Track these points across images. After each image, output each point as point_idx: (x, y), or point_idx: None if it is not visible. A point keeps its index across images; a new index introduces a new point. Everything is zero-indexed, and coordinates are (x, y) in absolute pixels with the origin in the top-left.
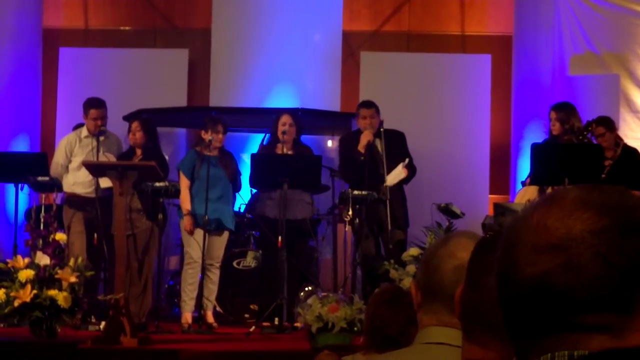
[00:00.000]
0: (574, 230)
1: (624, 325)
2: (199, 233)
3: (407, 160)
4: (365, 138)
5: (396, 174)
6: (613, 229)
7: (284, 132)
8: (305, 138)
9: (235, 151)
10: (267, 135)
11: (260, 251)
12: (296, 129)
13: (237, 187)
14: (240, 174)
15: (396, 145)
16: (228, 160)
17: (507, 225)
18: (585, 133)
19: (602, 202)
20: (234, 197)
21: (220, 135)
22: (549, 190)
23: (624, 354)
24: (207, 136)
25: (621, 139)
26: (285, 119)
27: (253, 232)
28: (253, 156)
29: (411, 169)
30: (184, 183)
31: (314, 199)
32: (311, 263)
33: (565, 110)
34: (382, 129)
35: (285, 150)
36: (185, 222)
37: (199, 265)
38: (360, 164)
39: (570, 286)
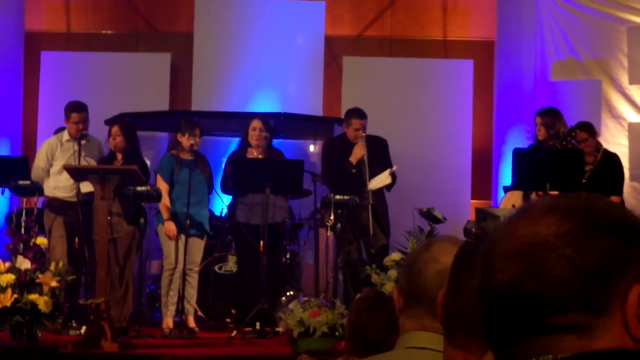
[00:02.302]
0: (539, 234)
1: (594, 324)
2: (180, 238)
3: (395, 167)
4: (360, 152)
5: (381, 180)
6: (577, 231)
7: (265, 138)
8: (287, 142)
9: (217, 156)
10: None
11: None
12: (268, 133)
13: (210, 190)
14: (214, 179)
15: (379, 152)
16: (205, 164)
17: (486, 239)
18: (569, 138)
19: (568, 207)
20: (209, 201)
21: (198, 139)
22: (534, 195)
23: (593, 357)
24: (185, 139)
25: (601, 145)
26: (255, 123)
27: (231, 237)
28: (235, 161)
29: (393, 177)
30: (163, 187)
31: (290, 203)
32: (293, 268)
33: (551, 115)
34: (364, 134)
35: (256, 154)
36: (167, 227)
37: (178, 270)
38: (349, 175)
39: (537, 289)
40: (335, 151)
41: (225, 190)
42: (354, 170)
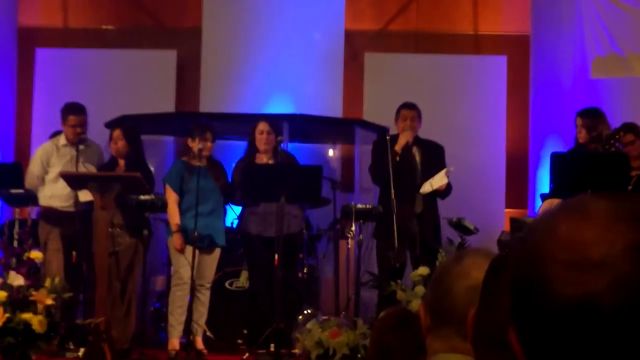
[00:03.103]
0: (616, 245)
1: None
2: (189, 251)
3: (451, 168)
4: (404, 138)
5: (436, 181)
6: None
7: (279, 141)
8: (304, 147)
9: (228, 161)
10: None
11: None
12: (275, 136)
13: (226, 200)
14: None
15: (434, 158)
16: (218, 171)
17: (526, 238)
18: (612, 141)
19: (637, 214)
20: (225, 211)
21: (209, 144)
22: None
23: None
24: (195, 145)
25: None
26: (262, 126)
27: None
28: (245, 167)
29: (447, 186)
30: (172, 197)
31: (307, 212)
32: (310, 283)
33: (593, 116)
34: (414, 128)
35: (266, 160)
36: (175, 240)
37: (188, 287)
38: (394, 165)
39: (620, 307)
40: (385, 150)
41: (232, 200)
42: (397, 158)
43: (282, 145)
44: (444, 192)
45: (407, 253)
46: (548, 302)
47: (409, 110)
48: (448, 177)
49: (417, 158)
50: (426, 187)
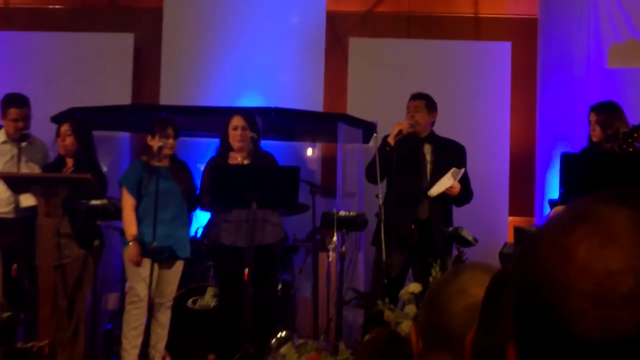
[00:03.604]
0: None
1: None
2: (146, 264)
3: (462, 170)
4: (397, 127)
5: (442, 183)
6: None
7: (253, 138)
8: (279, 144)
9: (193, 161)
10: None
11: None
12: (252, 132)
13: (193, 206)
14: (197, 190)
15: (450, 158)
16: (182, 173)
17: (531, 255)
18: (630, 140)
19: None
20: (190, 219)
21: (171, 141)
22: None
23: None
24: (154, 142)
25: None
26: (236, 121)
27: (212, 263)
28: (211, 168)
29: (466, 191)
30: (129, 202)
31: (283, 219)
32: (285, 302)
33: (608, 111)
34: (416, 120)
35: (240, 160)
36: (131, 251)
37: (145, 305)
38: (386, 156)
39: None
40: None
41: (204, 206)
42: (388, 149)
43: (252, 140)
44: (458, 197)
45: (405, 265)
46: (570, 340)
47: (413, 100)
48: (455, 178)
49: (428, 157)
50: (434, 189)
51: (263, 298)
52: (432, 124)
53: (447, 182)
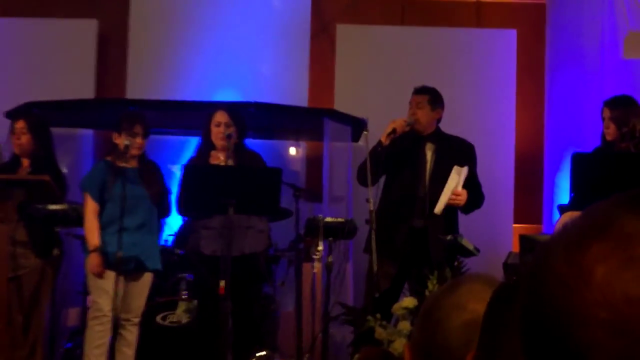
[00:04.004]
0: None
1: None
2: (110, 277)
3: (465, 168)
4: (392, 124)
5: (445, 193)
6: None
7: (229, 136)
8: (259, 144)
9: (164, 162)
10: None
11: (196, 301)
12: (237, 129)
13: (164, 212)
14: (169, 194)
15: (454, 158)
16: (152, 175)
17: (544, 275)
18: None
19: None
20: (161, 226)
21: (140, 140)
22: None
23: None
24: (121, 141)
25: None
26: (219, 116)
27: (185, 274)
28: (185, 169)
29: (474, 196)
30: (91, 207)
31: (270, 226)
32: (266, 318)
33: (624, 107)
34: (416, 116)
35: (223, 160)
36: (92, 261)
37: (109, 321)
38: (377, 156)
39: None
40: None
41: (182, 211)
42: (379, 149)
43: (229, 137)
44: (466, 205)
45: (398, 278)
46: None
47: (416, 94)
48: (460, 179)
49: (428, 156)
50: (439, 206)
51: (245, 314)
52: (438, 120)
53: (451, 184)
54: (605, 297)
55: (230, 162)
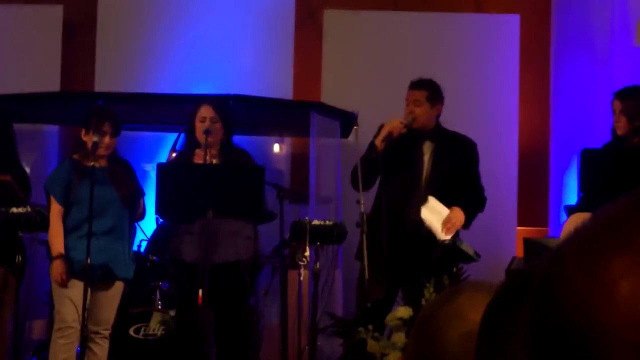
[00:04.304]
0: None
1: None
2: (79, 286)
3: (432, 200)
4: (387, 127)
5: (436, 215)
6: None
7: (207, 131)
8: (240, 140)
9: (136, 160)
10: (179, 136)
11: (173, 312)
12: (223, 125)
13: (137, 215)
14: (142, 195)
15: (454, 157)
16: (122, 175)
17: (562, 287)
18: None
19: None
20: (133, 231)
21: (108, 139)
22: None
23: None
24: (89, 138)
25: None
26: (204, 111)
27: (160, 283)
28: (160, 168)
29: (475, 201)
30: (55, 210)
31: (259, 231)
32: (249, 329)
33: (636, 98)
34: (414, 115)
35: (209, 158)
36: (55, 269)
37: (76, 333)
38: (373, 161)
39: None
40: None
41: (162, 214)
42: (374, 155)
43: (207, 133)
44: (468, 216)
45: (391, 286)
46: None
47: (413, 90)
48: (434, 207)
49: (426, 157)
50: (425, 213)
51: (228, 327)
52: (438, 115)
53: (435, 226)
54: (630, 315)
55: (215, 161)
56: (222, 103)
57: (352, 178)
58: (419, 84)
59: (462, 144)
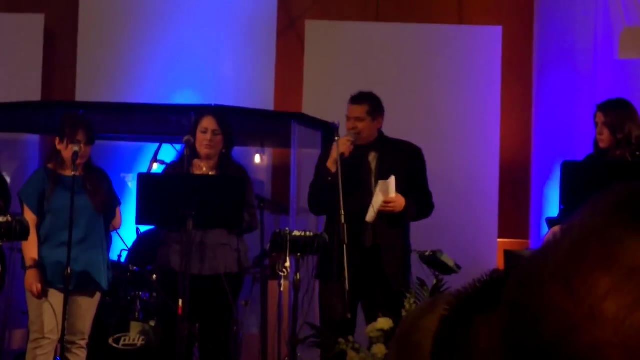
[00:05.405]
0: None
1: None
2: (54, 295)
3: (391, 179)
4: (335, 150)
5: (375, 200)
6: None
7: (187, 141)
8: None
9: (116, 170)
10: (160, 146)
11: (153, 322)
12: (224, 138)
13: (112, 223)
14: (117, 204)
15: (399, 164)
16: (97, 183)
17: (540, 305)
18: None
19: None
20: (109, 239)
21: (82, 147)
22: None
23: None
24: (63, 147)
25: None
26: (207, 122)
27: (140, 293)
28: (141, 178)
29: (420, 203)
30: (29, 219)
31: (246, 243)
32: (229, 340)
33: (619, 110)
34: (357, 129)
35: (206, 170)
36: (28, 278)
37: (52, 344)
38: (329, 187)
39: None
40: (323, 163)
41: (143, 224)
42: (329, 179)
43: (187, 143)
44: (406, 212)
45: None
46: None
47: (354, 105)
48: (387, 191)
49: (373, 166)
50: (368, 215)
51: (214, 339)
52: (379, 127)
53: (378, 200)
54: (618, 338)
55: (212, 173)
56: (223, 115)
57: (311, 205)
58: (359, 99)
59: (406, 149)
